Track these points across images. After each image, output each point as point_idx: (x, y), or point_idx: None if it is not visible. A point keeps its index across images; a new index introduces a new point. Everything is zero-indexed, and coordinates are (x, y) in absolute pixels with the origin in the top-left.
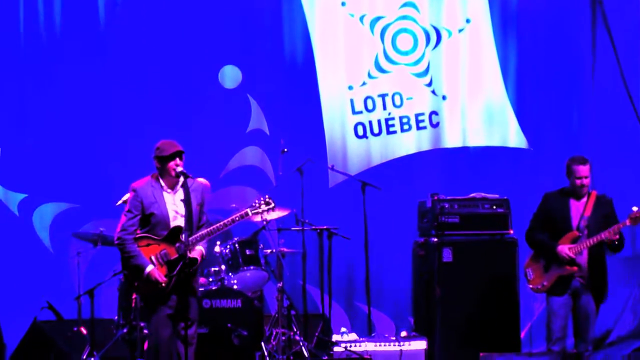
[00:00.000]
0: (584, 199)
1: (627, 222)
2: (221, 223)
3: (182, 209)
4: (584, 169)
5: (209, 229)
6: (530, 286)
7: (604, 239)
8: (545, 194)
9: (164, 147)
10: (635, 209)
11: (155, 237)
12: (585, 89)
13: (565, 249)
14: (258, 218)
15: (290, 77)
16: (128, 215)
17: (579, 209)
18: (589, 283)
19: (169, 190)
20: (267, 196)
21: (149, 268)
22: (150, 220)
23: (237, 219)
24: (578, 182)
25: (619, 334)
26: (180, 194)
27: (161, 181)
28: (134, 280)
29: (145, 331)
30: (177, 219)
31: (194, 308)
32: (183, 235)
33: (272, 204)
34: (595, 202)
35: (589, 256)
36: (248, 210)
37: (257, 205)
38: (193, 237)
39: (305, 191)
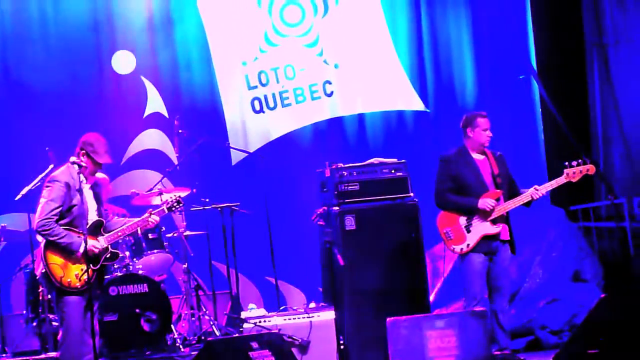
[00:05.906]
0: (484, 157)
1: (567, 179)
2: (139, 220)
3: (94, 202)
4: (488, 121)
5: (130, 225)
6: (453, 246)
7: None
8: (444, 157)
9: (99, 150)
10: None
11: (77, 230)
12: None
13: (487, 201)
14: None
15: (185, 59)
16: (51, 204)
17: (486, 167)
18: (506, 239)
19: (85, 183)
20: (177, 195)
21: (83, 245)
22: (72, 212)
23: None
24: (485, 134)
25: (530, 289)
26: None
27: (81, 173)
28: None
29: (55, 324)
30: (92, 212)
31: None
32: (103, 229)
33: (182, 203)
34: (495, 159)
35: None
36: (164, 207)
37: (172, 202)
38: (113, 232)
39: (208, 170)
